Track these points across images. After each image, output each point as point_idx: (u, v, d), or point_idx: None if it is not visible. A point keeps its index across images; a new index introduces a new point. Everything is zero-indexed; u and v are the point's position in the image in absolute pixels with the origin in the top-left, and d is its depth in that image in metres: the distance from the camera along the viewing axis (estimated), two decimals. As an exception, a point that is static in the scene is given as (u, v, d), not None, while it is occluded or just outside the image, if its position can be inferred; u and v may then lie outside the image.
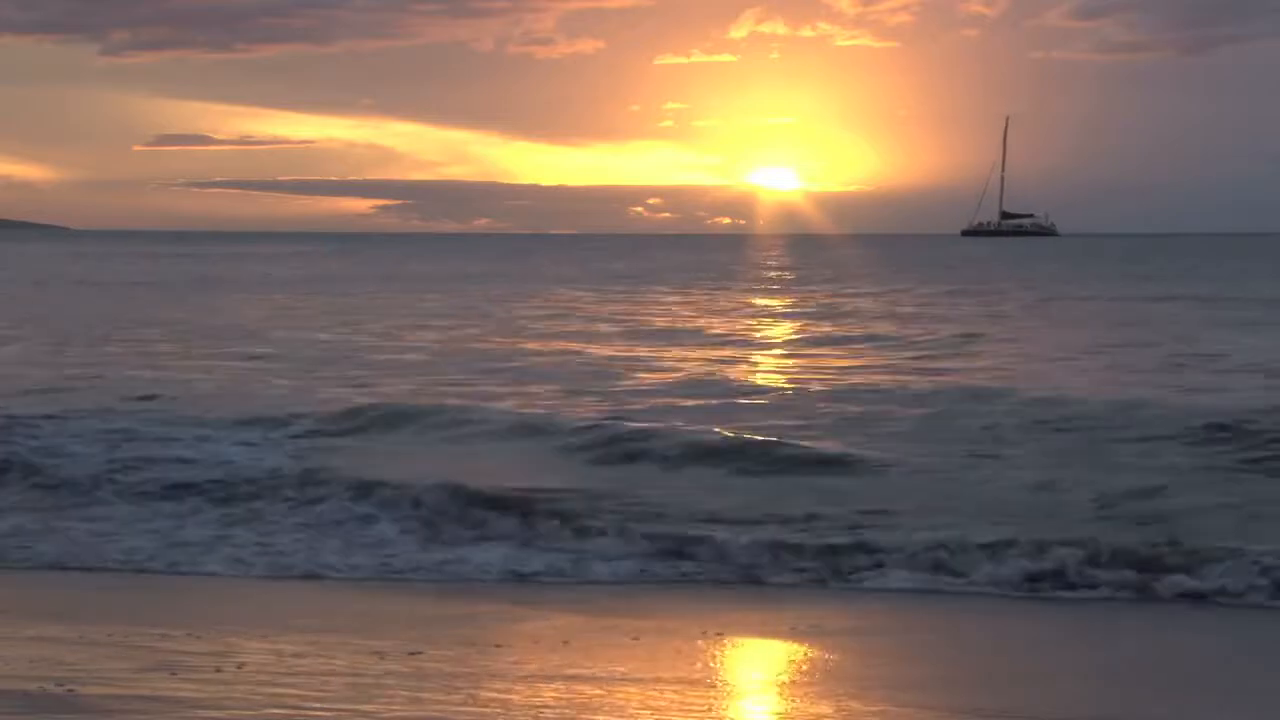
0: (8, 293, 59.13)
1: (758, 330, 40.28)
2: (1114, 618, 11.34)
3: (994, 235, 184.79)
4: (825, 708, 8.49)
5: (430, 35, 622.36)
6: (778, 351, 33.38)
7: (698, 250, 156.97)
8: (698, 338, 36.85)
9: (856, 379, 26.44)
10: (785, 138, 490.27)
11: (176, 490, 16.17)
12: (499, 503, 14.94)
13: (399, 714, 7.96)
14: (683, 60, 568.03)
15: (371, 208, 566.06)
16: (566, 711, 8.09)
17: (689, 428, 19.60)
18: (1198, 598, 11.69)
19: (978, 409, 21.30)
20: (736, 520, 14.46)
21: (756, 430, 19.59)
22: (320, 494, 15.68)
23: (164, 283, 70.88)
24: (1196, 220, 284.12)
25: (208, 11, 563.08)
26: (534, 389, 25.19)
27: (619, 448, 18.49)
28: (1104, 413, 20.32)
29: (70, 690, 8.17)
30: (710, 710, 8.41)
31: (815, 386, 25.53)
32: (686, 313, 47.42)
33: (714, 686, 9.10)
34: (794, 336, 38.01)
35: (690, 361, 30.30)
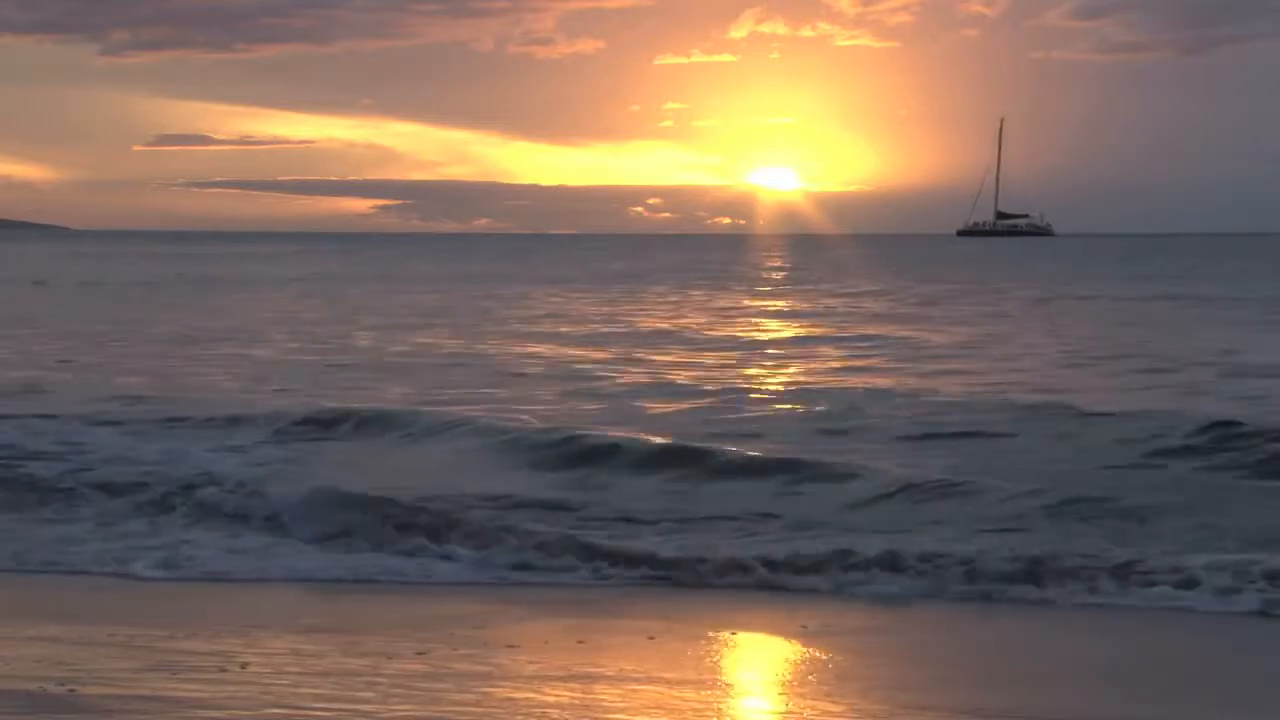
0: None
1: (746, 333, 39.88)
2: (1114, 619, 11.33)
3: (989, 235, 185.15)
4: (828, 708, 8.50)
5: (430, 35, 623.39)
6: (760, 354, 32.96)
7: (697, 250, 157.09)
8: (682, 340, 36.57)
9: (833, 381, 26.39)
10: (785, 138, 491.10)
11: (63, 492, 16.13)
12: (367, 503, 14.70)
13: (407, 714, 7.97)
14: (683, 60, 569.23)
15: (371, 208, 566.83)
16: (579, 711, 8.10)
17: (616, 433, 19.36)
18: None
19: (949, 415, 21.30)
20: (648, 520, 14.69)
21: (716, 437, 19.29)
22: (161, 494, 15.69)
23: (142, 283, 70.93)
24: (1196, 220, 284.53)
25: (208, 11, 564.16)
26: (499, 392, 25.13)
27: (544, 453, 18.43)
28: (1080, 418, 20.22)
29: (71, 690, 8.18)
30: (711, 710, 8.43)
31: (775, 389, 25.54)
32: (678, 314, 47.31)
33: (719, 687, 9.11)
34: (773, 338, 37.75)
35: (677, 365, 30.06)
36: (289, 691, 8.36)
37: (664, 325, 41.72)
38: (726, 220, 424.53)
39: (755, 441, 19.17)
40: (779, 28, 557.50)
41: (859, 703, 8.60)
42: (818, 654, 10.01)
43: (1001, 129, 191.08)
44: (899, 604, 11.74)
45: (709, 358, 31.62)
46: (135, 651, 9.55)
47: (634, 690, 8.77)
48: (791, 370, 29.14)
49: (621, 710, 8.23)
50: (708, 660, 9.92)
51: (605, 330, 39.67)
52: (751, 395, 25.05)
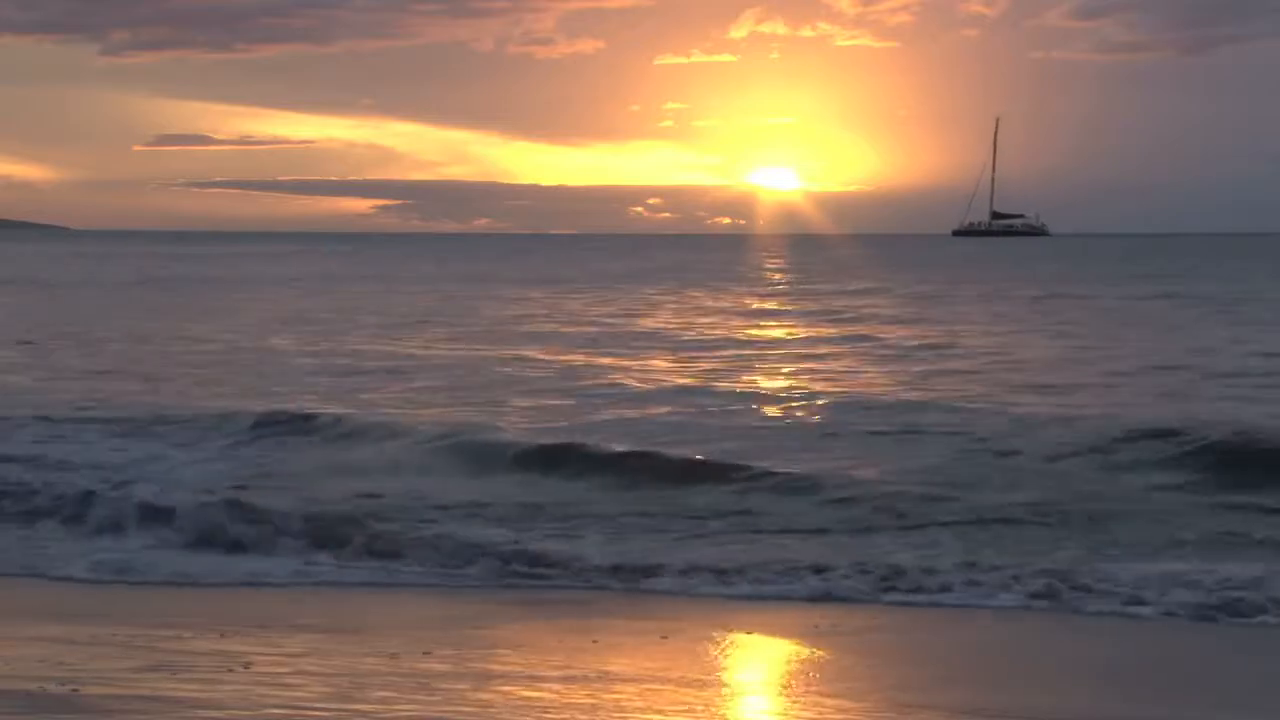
0: None
1: (735, 335, 39.32)
2: (1114, 619, 11.35)
3: (984, 235, 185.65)
4: (828, 707, 8.51)
5: (430, 35, 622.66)
6: (737, 357, 32.25)
7: (696, 250, 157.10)
8: (670, 342, 36.01)
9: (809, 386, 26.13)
10: (785, 138, 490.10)
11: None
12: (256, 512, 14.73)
13: (407, 714, 7.97)
14: (683, 60, 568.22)
15: (371, 208, 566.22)
16: (581, 712, 8.11)
17: (529, 438, 19.34)
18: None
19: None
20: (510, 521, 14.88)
21: (661, 444, 19.02)
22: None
23: (130, 283, 70.82)
24: (1196, 220, 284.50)
25: (208, 11, 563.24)
26: (458, 395, 24.82)
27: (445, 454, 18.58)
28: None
29: (72, 690, 8.19)
30: (711, 709, 8.44)
31: (731, 391, 25.28)
32: (669, 315, 47.15)
33: (719, 687, 9.12)
34: (753, 341, 37.28)
35: (656, 369, 29.56)
36: (289, 691, 8.37)
37: (650, 326, 41.41)
38: (726, 220, 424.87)
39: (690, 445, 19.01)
40: (779, 28, 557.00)
41: (859, 702, 8.60)
42: (819, 654, 10.02)
43: (997, 129, 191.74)
44: (900, 604, 11.77)
45: (668, 359, 31.32)
46: (135, 651, 9.56)
47: (638, 690, 8.78)
48: (760, 372, 29.00)
49: (622, 710, 8.24)
50: (708, 661, 9.92)
51: (593, 331, 39.28)
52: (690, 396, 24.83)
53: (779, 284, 73.21)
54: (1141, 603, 11.52)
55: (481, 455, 18.37)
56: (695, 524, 14.91)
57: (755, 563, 12.91)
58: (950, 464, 17.46)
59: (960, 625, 11.28)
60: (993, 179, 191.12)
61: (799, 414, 22.47)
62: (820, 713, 8.41)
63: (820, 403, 23.47)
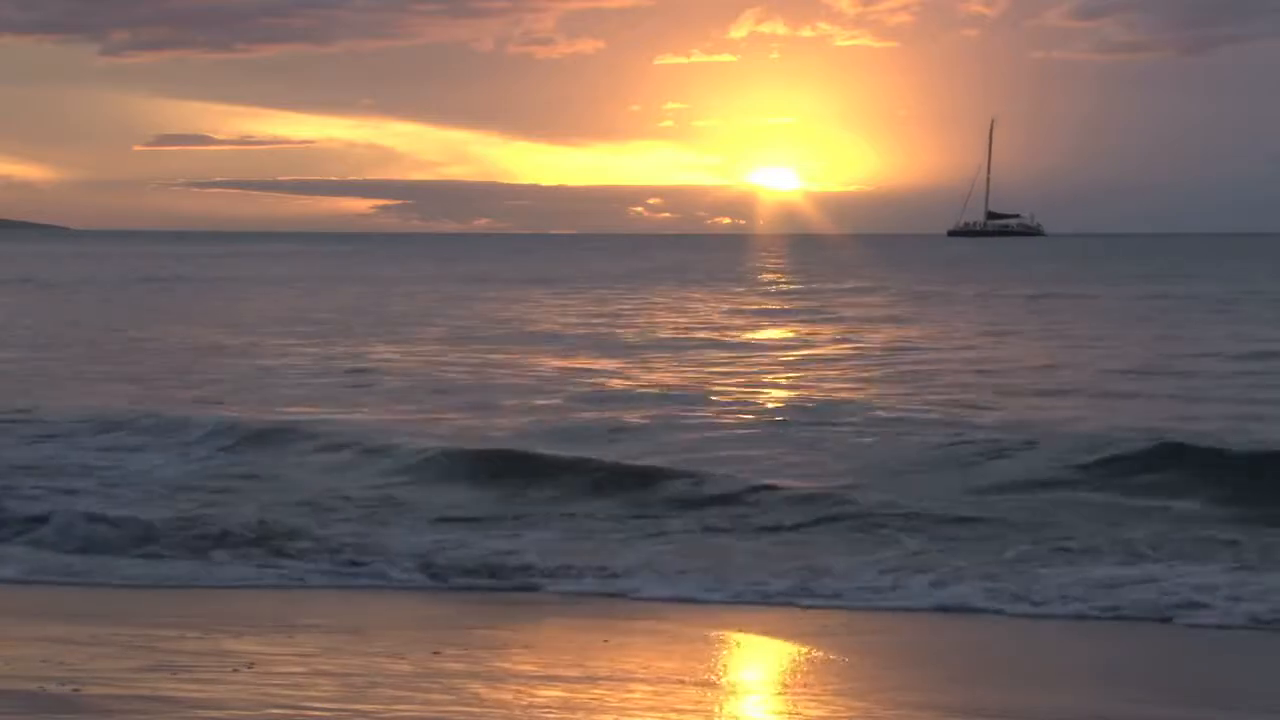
0: None
1: (725, 338, 38.68)
2: (1114, 620, 11.36)
3: (979, 235, 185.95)
4: (828, 707, 8.52)
5: (430, 35, 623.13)
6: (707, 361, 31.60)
7: (696, 250, 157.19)
8: (662, 345, 35.61)
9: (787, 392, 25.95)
10: (785, 138, 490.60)
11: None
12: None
13: (408, 714, 7.98)
14: (683, 60, 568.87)
15: (371, 208, 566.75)
16: (579, 712, 8.12)
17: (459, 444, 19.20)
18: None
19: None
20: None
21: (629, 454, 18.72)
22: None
23: (119, 283, 70.89)
24: (1196, 220, 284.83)
25: (208, 11, 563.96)
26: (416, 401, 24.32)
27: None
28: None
29: (73, 690, 8.20)
30: (712, 710, 8.45)
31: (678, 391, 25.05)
32: (667, 316, 47.02)
33: (720, 687, 9.13)
34: (744, 343, 37.07)
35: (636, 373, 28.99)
36: (289, 691, 8.38)
37: (636, 328, 41.23)
38: (726, 220, 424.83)
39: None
40: (779, 28, 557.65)
41: (860, 702, 8.61)
42: (820, 654, 10.03)
43: (992, 129, 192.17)
44: (900, 605, 11.79)
45: (626, 360, 31.16)
46: (136, 651, 9.57)
47: (641, 691, 8.79)
48: (725, 372, 28.90)
49: (622, 710, 8.25)
50: (709, 661, 9.95)
51: (582, 333, 38.91)
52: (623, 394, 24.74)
53: (772, 285, 73.22)
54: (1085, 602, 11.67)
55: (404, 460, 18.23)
56: (652, 523, 14.94)
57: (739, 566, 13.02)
58: (903, 465, 17.50)
59: (961, 625, 11.30)
60: (988, 179, 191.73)
61: (750, 416, 22.20)
62: (822, 713, 8.42)
63: (778, 407, 23.33)
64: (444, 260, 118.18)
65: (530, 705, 8.24)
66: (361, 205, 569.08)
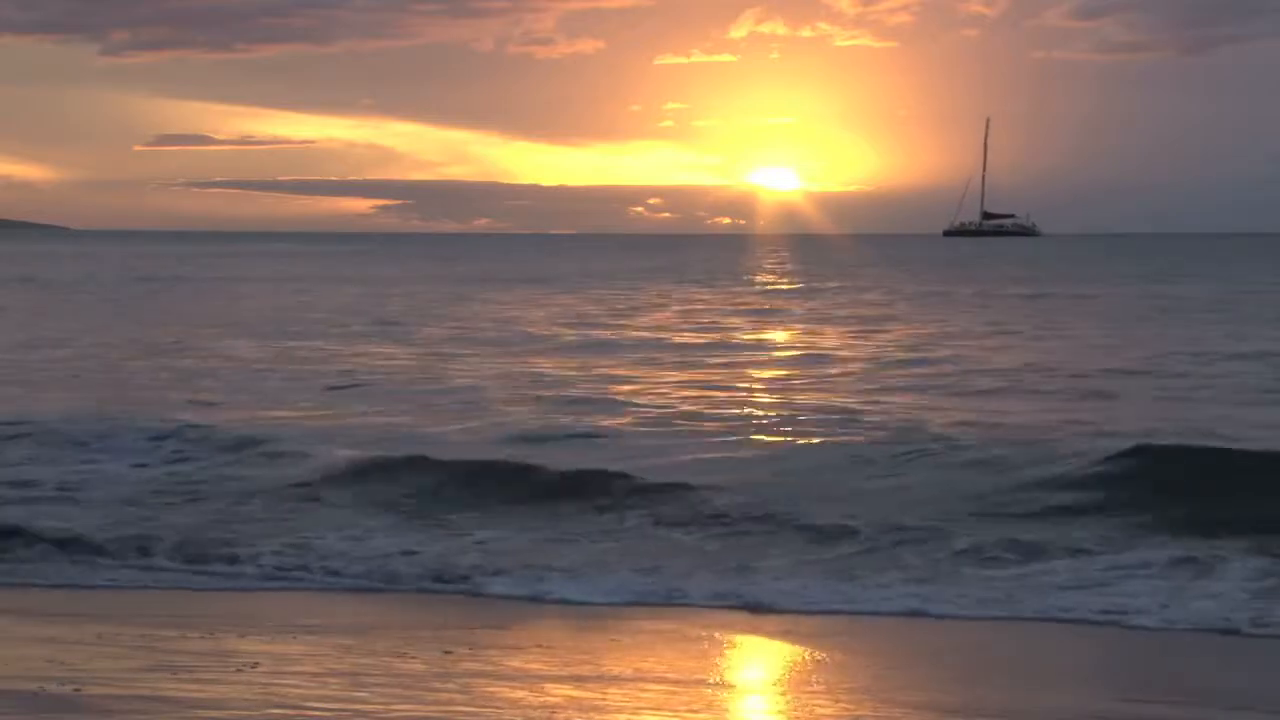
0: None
1: (725, 340, 38.23)
2: (1111, 624, 11.39)
3: (975, 235, 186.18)
4: (829, 708, 8.54)
5: (430, 35, 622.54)
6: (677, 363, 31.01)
7: (696, 250, 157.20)
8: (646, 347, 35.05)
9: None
10: (785, 138, 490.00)
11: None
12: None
13: (409, 714, 8.00)
14: (683, 60, 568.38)
15: (371, 208, 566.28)
16: (581, 712, 8.15)
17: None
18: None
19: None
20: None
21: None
22: None
23: (111, 283, 70.85)
24: (1196, 220, 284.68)
25: (208, 11, 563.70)
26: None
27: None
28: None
29: (73, 690, 8.22)
30: (712, 709, 8.47)
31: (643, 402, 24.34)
32: (663, 315, 46.96)
33: (720, 687, 9.15)
34: (735, 344, 36.77)
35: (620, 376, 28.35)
36: (290, 691, 8.40)
37: (620, 329, 40.86)
38: (726, 220, 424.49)
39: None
40: (779, 28, 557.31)
41: (860, 702, 8.63)
42: (820, 655, 10.05)
43: (988, 130, 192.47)
44: (901, 606, 11.82)
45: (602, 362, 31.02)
46: (136, 651, 9.58)
47: (642, 690, 8.81)
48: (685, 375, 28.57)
49: (622, 710, 8.28)
50: (710, 661, 9.97)
51: (571, 336, 38.18)
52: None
53: (768, 285, 73.18)
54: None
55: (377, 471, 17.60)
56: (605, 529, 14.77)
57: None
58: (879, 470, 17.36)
59: (961, 626, 11.31)
60: (983, 179, 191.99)
61: (719, 423, 21.65)
62: (823, 713, 8.45)
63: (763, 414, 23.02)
64: (443, 260, 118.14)
65: (544, 705, 8.27)
66: (361, 205, 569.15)
